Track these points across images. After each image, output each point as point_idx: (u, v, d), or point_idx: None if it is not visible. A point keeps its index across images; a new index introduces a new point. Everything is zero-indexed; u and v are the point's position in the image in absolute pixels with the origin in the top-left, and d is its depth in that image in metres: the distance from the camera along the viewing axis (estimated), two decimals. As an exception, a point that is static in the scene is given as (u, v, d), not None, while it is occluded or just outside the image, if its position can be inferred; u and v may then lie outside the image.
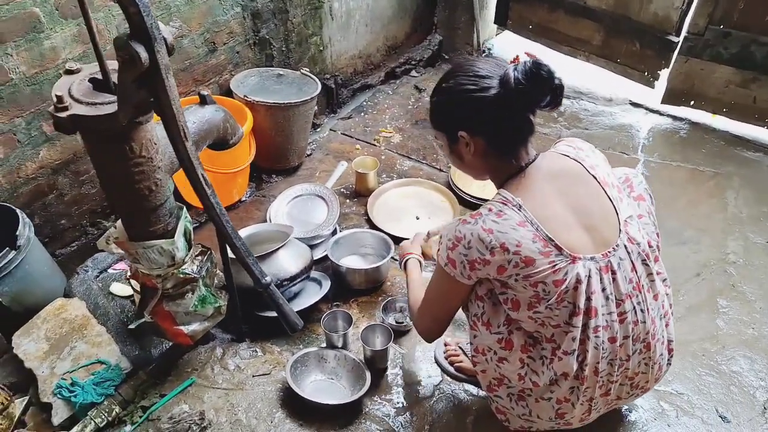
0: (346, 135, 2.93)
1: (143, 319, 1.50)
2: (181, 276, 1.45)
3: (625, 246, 1.28)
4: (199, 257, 1.51)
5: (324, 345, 1.82)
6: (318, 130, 2.96)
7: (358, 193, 2.51)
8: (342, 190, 2.54)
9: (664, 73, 2.91)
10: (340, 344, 1.79)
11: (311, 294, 1.98)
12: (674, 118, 2.96)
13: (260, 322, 1.87)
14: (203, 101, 1.40)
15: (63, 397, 1.60)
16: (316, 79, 2.55)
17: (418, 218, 2.39)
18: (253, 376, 1.71)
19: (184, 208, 1.46)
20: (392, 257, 2.09)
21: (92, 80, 1.14)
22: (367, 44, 3.13)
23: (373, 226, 2.32)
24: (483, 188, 2.47)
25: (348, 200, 2.50)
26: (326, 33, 2.80)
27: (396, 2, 3.19)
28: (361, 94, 3.24)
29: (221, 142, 1.47)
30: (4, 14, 1.69)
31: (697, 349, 1.81)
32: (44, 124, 1.92)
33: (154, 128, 1.23)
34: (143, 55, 0.95)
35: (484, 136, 1.28)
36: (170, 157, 1.30)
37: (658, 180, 2.55)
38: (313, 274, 2.04)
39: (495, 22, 3.53)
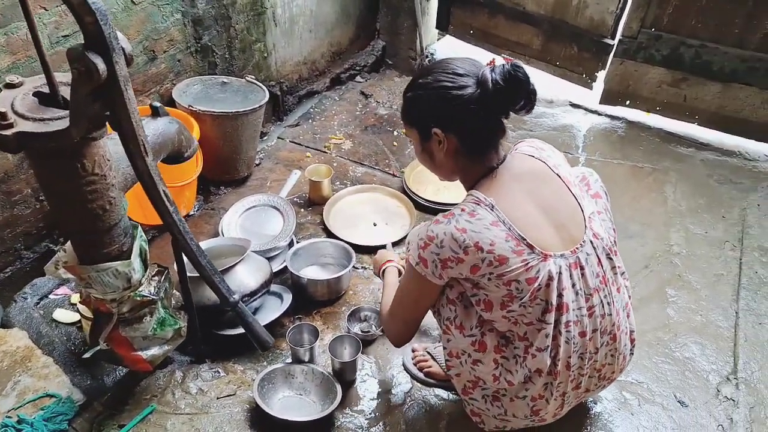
0: (295, 143, 2.88)
1: (98, 347, 1.40)
2: (138, 299, 1.37)
3: (591, 242, 1.32)
4: (156, 277, 1.43)
5: (290, 360, 1.76)
6: (265, 138, 2.89)
7: (313, 201, 2.47)
8: (296, 199, 2.49)
9: (601, 75, 3.05)
10: (306, 358, 1.74)
11: (272, 309, 1.92)
12: (612, 117, 3.10)
13: (220, 342, 1.80)
14: (155, 113, 1.32)
15: (8, 438, 1.46)
16: (263, 87, 2.49)
17: (375, 224, 2.38)
18: (218, 398, 1.63)
19: (139, 227, 1.37)
20: (353, 266, 2.06)
21: (37, 94, 1.04)
22: (312, 50, 3.09)
23: (330, 235, 2.28)
24: (437, 192, 2.49)
25: (302, 209, 2.45)
26: (270, 39, 2.74)
27: (339, 8, 3.17)
28: (308, 100, 3.19)
29: (176, 156, 1.40)
30: None
31: (652, 339, 1.89)
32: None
33: (107, 144, 1.15)
34: (101, 66, 0.89)
35: (457, 135, 1.30)
36: (124, 174, 1.22)
37: (601, 177, 2.65)
38: (273, 287, 1.98)
39: (437, 27, 3.58)
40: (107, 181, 1.16)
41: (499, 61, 1.26)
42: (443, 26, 3.55)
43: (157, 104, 1.34)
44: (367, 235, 2.29)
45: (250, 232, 2.21)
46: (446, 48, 3.64)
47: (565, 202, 1.34)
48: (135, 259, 1.31)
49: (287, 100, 3.04)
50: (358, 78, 3.49)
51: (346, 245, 2.13)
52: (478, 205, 1.26)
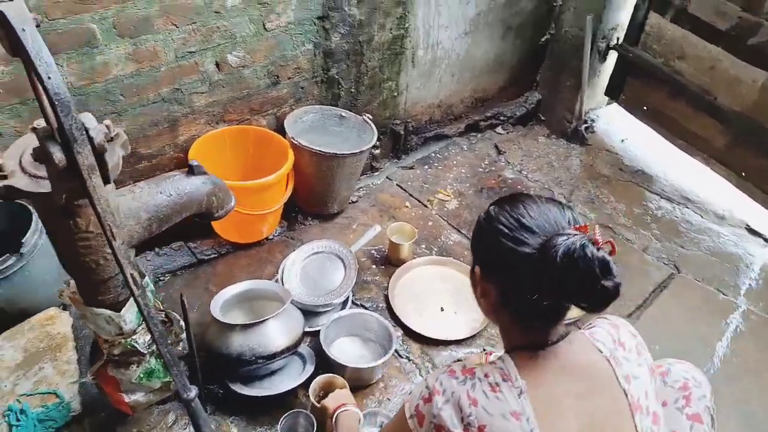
0: (401, 187, 2.72)
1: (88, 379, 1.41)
2: (129, 347, 1.34)
3: None
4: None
5: (282, 443, 1.64)
6: (375, 174, 2.78)
7: (389, 261, 2.30)
8: (373, 252, 2.34)
9: (795, 203, 2.39)
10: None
11: (292, 375, 1.82)
12: (798, 260, 2.43)
13: (231, 394, 1.74)
14: (191, 171, 1.27)
15: (8, 422, 1.56)
16: (375, 130, 2.36)
17: (442, 309, 2.13)
18: (195, 459, 1.57)
19: (147, 278, 1.34)
20: (395, 352, 1.86)
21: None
22: (450, 94, 2.89)
23: (389, 306, 2.10)
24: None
25: (375, 266, 2.29)
26: (404, 79, 2.60)
27: (494, 55, 2.91)
28: (434, 143, 3.00)
29: (203, 215, 1.34)
30: (61, 27, 1.67)
31: None
32: (82, 133, 1.90)
33: (111, 202, 1.11)
34: (57, 156, 0.82)
35: (498, 290, 1.05)
36: (129, 231, 1.18)
37: (754, 339, 2.09)
38: (303, 348, 1.88)
39: (606, 94, 3.13)
40: (103, 238, 1.12)
41: (597, 235, 0.94)
42: (614, 94, 3.09)
43: (195, 163, 1.28)
44: (429, 320, 2.06)
45: (309, 278, 2.12)
46: (612, 117, 3.17)
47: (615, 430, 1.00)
48: (128, 312, 1.28)
49: (410, 140, 2.89)
50: (498, 129, 3.21)
51: (392, 328, 1.93)
52: (505, 381, 0.99)
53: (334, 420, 1.51)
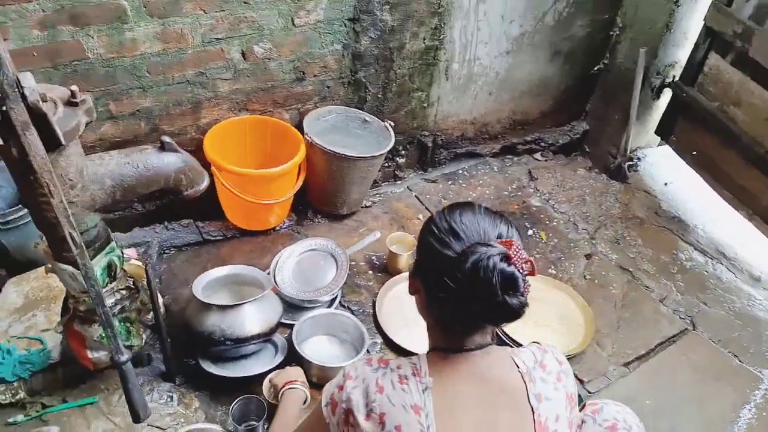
0: (419, 199, 2.69)
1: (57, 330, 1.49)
2: (92, 306, 1.41)
3: None
4: (123, 291, 1.45)
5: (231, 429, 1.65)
6: (398, 182, 2.77)
7: (387, 269, 2.28)
8: (373, 258, 2.33)
9: (842, 278, 2.14)
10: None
11: (262, 361, 1.84)
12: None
13: (201, 371, 1.78)
14: (162, 147, 1.32)
15: (-7, 359, 1.68)
16: (392, 138, 2.35)
17: (428, 326, 2.09)
18: (148, 425, 1.62)
19: (113, 243, 1.41)
20: (366, 351, 1.85)
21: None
22: (486, 113, 2.83)
23: (375, 314, 2.08)
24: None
25: (371, 271, 2.28)
26: (435, 91, 2.58)
27: (538, 78, 2.82)
28: (464, 160, 2.95)
29: (172, 193, 1.38)
30: (94, 1, 1.79)
31: None
32: (111, 103, 2.03)
33: (73, 164, 1.18)
34: (-11, 110, 0.88)
35: (423, 288, 1.07)
36: (92, 195, 1.24)
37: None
38: (278, 339, 1.90)
39: (656, 133, 2.96)
40: (59, 198, 1.19)
41: (518, 251, 0.96)
42: (664, 134, 2.92)
43: (167, 139, 1.33)
44: (411, 333, 2.02)
45: (301, 273, 2.13)
46: (659, 159, 2.99)
47: None
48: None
49: (439, 153, 2.85)
50: (537, 155, 3.11)
51: (365, 330, 1.91)
52: (415, 376, 1.01)
53: (280, 396, 1.55)
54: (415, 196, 2.71)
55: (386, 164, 2.71)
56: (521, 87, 2.82)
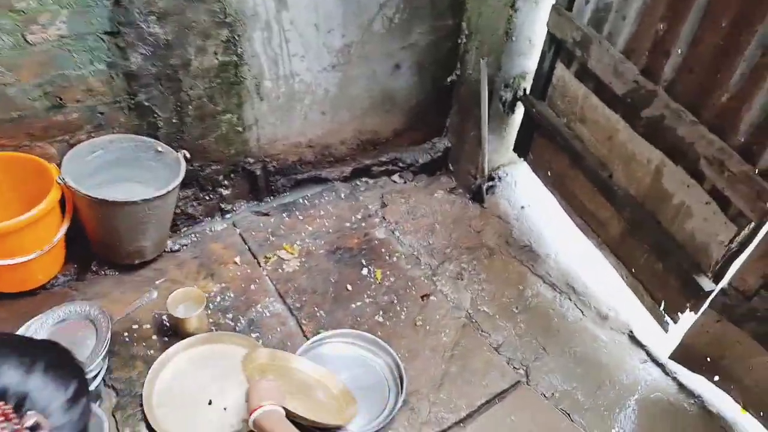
0: (242, 237, 2.33)
1: None
2: None
3: None
4: None
5: None
6: (226, 217, 2.41)
7: (177, 332, 1.91)
8: (163, 318, 1.95)
9: (687, 319, 1.91)
10: None
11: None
12: (682, 387, 1.94)
13: None
14: None
15: None
16: (182, 171, 1.98)
17: (210, 402, 1.73)
18: None
19: None
20: None
21: None
22: (324, 134, 2.50)
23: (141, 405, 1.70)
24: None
25: (156, 336, 1.90)
26: (249, 113, 2.22)
27: (379, 94, 2.51)
28: (309, 187, 2.60)
29: None
30: None
31: None
32: None
33: None
34: None
35: None
36: None
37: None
38: None
39: (514, 150, 2.69)
40: None
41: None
42: (522, 151, 2.66)
43: None
44: (193, 422, 1.66)
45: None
46: (522, 178, 2.72)
47: None
48: None
49: (275, 181, 2.50)
50: (395, 176, 2.81)
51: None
52: None
53: (252, 423, 1.41)
54: (239, 234, 2.35)
55: (205, 197, 2.35)
56: (361, 104, 2.50)
